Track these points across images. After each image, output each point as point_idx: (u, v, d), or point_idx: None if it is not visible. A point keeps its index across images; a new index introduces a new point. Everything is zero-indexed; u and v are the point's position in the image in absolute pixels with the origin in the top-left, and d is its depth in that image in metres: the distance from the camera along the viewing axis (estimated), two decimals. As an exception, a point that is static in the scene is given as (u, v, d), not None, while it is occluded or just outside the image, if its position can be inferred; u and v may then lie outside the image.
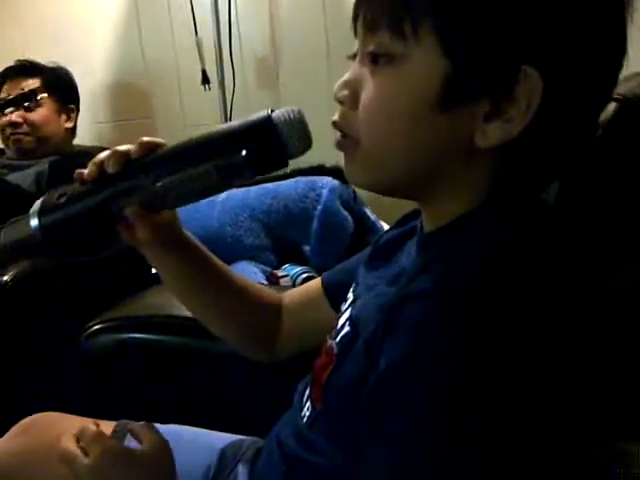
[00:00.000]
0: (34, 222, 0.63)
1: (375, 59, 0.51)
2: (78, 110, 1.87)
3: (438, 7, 0.48)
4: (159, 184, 0.61)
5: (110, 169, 0.62)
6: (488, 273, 0.47)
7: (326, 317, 0.75)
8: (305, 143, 0.59)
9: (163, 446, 0.63)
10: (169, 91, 2.13)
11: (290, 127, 0.58)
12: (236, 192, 1.58)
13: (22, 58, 1.83)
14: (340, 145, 0.56)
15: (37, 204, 0.64)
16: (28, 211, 0.64)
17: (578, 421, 0.50)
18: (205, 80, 1.96)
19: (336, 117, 0.56)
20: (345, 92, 0.54)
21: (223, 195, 1.58)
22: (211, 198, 1.68)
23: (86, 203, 0.63)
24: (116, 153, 0.62)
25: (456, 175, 0.53)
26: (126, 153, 0.62)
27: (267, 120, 0.58)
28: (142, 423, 0.67)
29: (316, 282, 0.80)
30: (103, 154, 0.63)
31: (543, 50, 0.48)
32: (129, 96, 2.20)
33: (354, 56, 0.55)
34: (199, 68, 1.96)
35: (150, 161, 0.62)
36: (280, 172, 1.56)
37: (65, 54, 1.93)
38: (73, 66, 1.88)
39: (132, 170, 0.62)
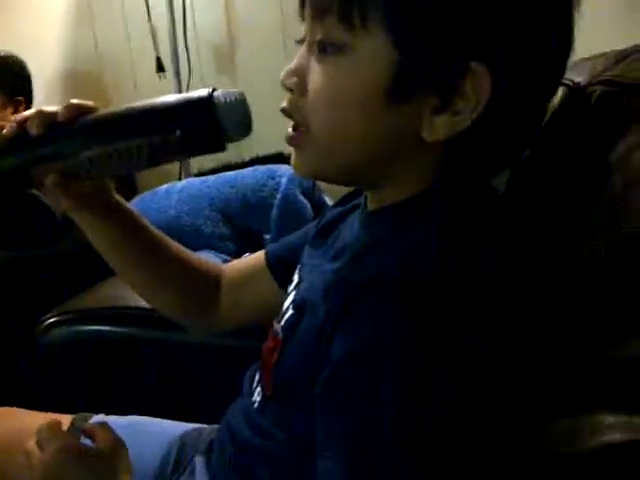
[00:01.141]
0: None
1: (323, 48, 0.51)
2: (29, 101, 1.81)
3: None
4: (85, 154, 0.57)
5: (33, 130, 0.58)
6: (437, 261, 0.48)
7: (267, 290, 0.75)
8: (244, 128, 0.57)
9: (118, 445, 0.62)
10: (123, 79, 2.09)
11: (230, 109, 0.55)
12: (194, 181, 1.57)
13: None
14: (290, 140, 0.55)
15: None
16: None
17: (527, 397, 0.51)
18: (160, 68, 1.93)
19: (284, 104, 0.55)
20: (293, 79, 0.53)
21: (180, 184, 1.57)
22: (168, 187, 1.67)
23: (4, 164, 0.59)
24: (41, 114, 0.58)
25: (404, 164, 0.53)
26: (52, 115, 0.58)
27: (207, 99, 0.54)
28: (97, 422, 0.66)
29: (258, 254, 0.79)
30: (26, 112, 0.59)
31: (491, 46, 0.48)
32: (82, 84, 2.16)
33: (302, 41, 0.54)
34: (153, 56, 1.93)
35: (78, 128, 0.58)
36: (238, 160, 1.56)
37: (15, 41, 1.88)
38: (24, 54, 1.83)
39: (57, 135, 0.58)
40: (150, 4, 1.90)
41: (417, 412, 0.45)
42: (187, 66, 1.92)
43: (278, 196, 1.45)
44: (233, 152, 1.65)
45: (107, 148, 0.56)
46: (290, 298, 0.63)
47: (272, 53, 1.87)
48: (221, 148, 0.56)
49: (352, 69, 0.50)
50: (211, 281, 0.80)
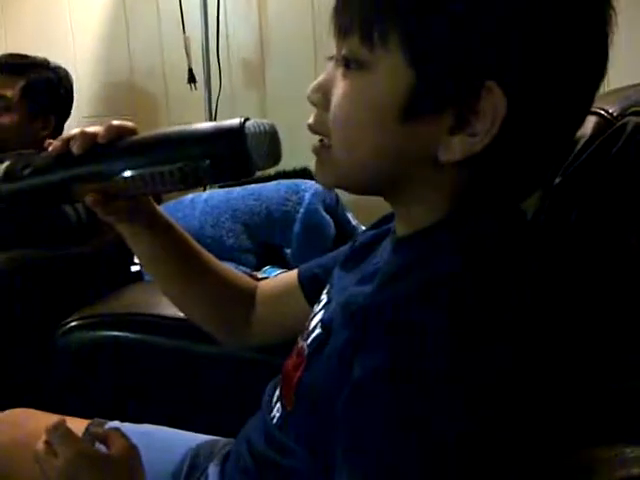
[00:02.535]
0: None
1: (347, 63, 0.52)
2: (63, 116, 1.80)
3: (406, 19, 0.48)
4: (121, 176, 0.60)
5: (75, 150, 0.61)
6: (466, 285, 0.48)
7: (298, 309, 0.75)
8: (272, 159, 0.59)
9: (132, 452, 0.63)
10: (155, 89, 2.12)
11: (260, 140, 0.58)
12: (218, 192, 1.58)
13: (5, 55, 1.76)
14: (315, 150, 0.56)
15: (1, 169, 0.63)
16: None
17: (552, 427, 0.50)
18: (191, 79, 1.95)
19: (310, 120, 0.56)
20: (318, 94, 0.55)
21: (205, 195, 1.58)
22: (193, 197, 1.68)
23: (46, 180, 0.63)
24: (83, 135, 0.61)
25: (425, 183, 0.53)
26: (93, 136, 0.61)
27: (238, 130, 0.57)
28: (111, 428, 0.67)
29: (292, 273, 0.80)
30: (72, 132, 0.62)
31: (508, 68, 0.48)
32: (115, 92, 2.19)
33: (332, 58, 0.55)
34: (186, 66, 1.96)
35: (116, 150, 0.61)
36: (263, 174, 1.57)
37: (51, 50, 1.91)
38: (59, 62, 1.85)
39: (96, 155, 0.61)
40: (185, 17, 1.93)
41: (435, 436, 0.44)
42: (218, 78, 1.95)
43: (301, 211, 1.46)
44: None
45: (142, 171, 0.59)
46: (318, 317, 0.63)
47: (302, 69, 1.88)
48: (249, 175, 0.59)
49: (371, 86, 0.51)
50: (246, 296, 0.81)
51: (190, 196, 1.58)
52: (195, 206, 1.53)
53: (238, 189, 1.55)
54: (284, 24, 1.95)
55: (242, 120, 0.58)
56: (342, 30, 0.52)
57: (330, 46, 0.56)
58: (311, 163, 0.58)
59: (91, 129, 0.62)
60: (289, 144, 0.64)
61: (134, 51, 2.13)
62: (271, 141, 0.59)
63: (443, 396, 0.45)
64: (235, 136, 0.57)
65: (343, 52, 0.52)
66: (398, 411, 0.45)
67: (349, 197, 1.54)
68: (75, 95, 1.85)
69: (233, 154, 0.57)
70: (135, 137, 0.62)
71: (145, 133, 0.62)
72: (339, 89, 0.52)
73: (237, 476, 0.68)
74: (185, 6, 1.93)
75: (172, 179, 0.59)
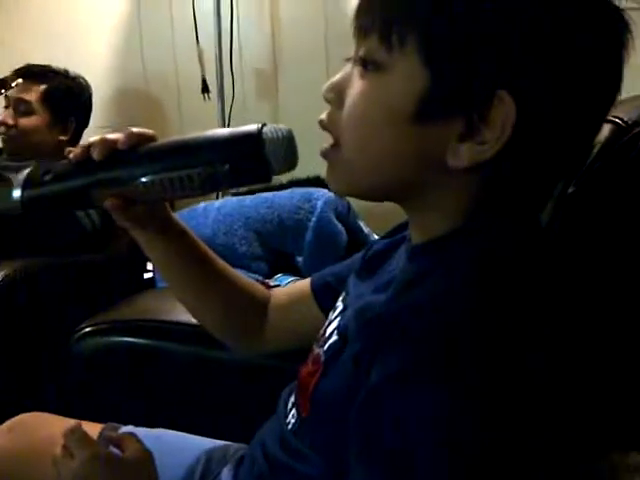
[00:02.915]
0: (17, 194, 0.64)
1: (364, 64, 0.53)
2: (83, 123, 1.84)
3: (424, 23, 0.49)
4: (141, 181, 0.61)
5: (95, 156, 0.62)
6: (483, 292, 0.48)
7: (311, 317, 0.75)
8: (290, 163, 0.60)
9: (146, 455, 0.63)
10: (168, 99, 2.14)
11: (278, 145, 0.58)
12: (231, 200, 1.59)
13: (24, 63, 1.79)
14: (323, 153, 0.57)
15: (23, 175, 0.64)
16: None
17: (571, 433, 0.50)
18: (205, 89, 1.97)
19: (323, 116, 0.57)
20: (333, 92, 0.55)
21: (218, 203, 1.59)
22: (206, 205, 1.69)
23: (66, 186, 0.64)
24: (104, 141, 0.62)
25: (437, 188, 0.53)
26: (114, 142, 0.62)
27: (256, 135, 0.58)
28: (125, 432, 0.67)
29: (305, 282, 0.80)
30: (92, 139, 0.63)
31: (521, 79, 0.48)
32: (128, 102, 2.21)
33: (350, 59, 0.56)
34: (199, 76, 1.97)
35: (136, 157, 0.62)
36: (276, 182, 1.58)
37: (65, 60, 1.93)
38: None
39: (117, 161, 0.62)
40: (198, 27, 1.95)
41: (450, 443, 0.44)
42: (231, 88, 1.96)
43: (313, 219, 1.47)
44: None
45: (161, 177, 0.61)
46: (334, 324, 0.64)
47: (314, 78, 1.88)
48: (267, 180, 0.60)
49: (386, 87, 0.52)
50: (259, 303, 0.81)
51: (203, 204, 1.59)
52: (208, 214, 1.54)
53: (251, 197, 1.56)
54: (297, 34, 1.96)
55: (260, 126, 0.59)
56: (362, 30, 0.53)
57: (343, 55, 0.57)
58: (324, 171, 0.58)
59: (111, 136, 0.63)
60: (302, 152, 0.64)
61: (148, 61, 2.14)
62: (288, 146, 0.59)
63: (458, 401, 0.44)
64: (253, 141, 0.58)
65: (361, 53, 0.53)
66: (412, 415, 0.45)
67: (361, 205, 1.54)
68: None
69: (251, 159, 0.58)
70: (154, 143, 0.63)
71: (164, 140, 0.64)
72: (355, 88, 0.53)
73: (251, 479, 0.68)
74: (198, 16, 1.94)
75: (191, 184, 0.60)
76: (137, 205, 0.65)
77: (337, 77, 0.56)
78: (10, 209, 0.65)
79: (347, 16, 0.55)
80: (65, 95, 1.79)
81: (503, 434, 0.45)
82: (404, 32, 0.50)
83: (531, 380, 0.47)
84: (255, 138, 0.58)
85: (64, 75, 1.80)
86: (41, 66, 1.79)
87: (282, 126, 0.60)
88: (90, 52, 2.18)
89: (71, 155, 0.64)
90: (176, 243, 0.74)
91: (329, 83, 0.56)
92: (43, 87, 1.75)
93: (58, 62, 1.84)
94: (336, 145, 0.55)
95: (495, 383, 0.45)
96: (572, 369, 0.52)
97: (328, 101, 0.56)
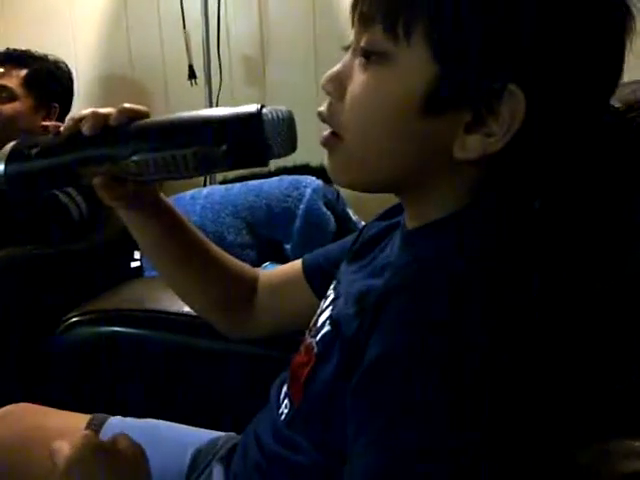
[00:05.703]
0: (0, 167, 0.61)
1: (367, 55, 0.51)
2: (65, 108, 1.80)
3: (433, 13, 0.48)
4: (133, 159, 0.58)
5: (86, 131, 0.59)
6: (475, 273, 0.48)
7: (302, 298, 0.75)
8: (289, 146, 0.58)
9: (139, 450, 0.62)
10: (155, 85, 2.11)
11: (277, 127, 0.56)
12: (219, 188, 1.58)
13: (5, 49, 1.76)
14: (324, 142, 0.55)
15: (7, 149, 0.62)
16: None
17: (562, 420, 0.50)
18: (192, 75, 1.95)
19: (322, 108, 0.55)
20: (333, 84, 0.54)
21: (206, 191, 1.58)
22: (193, 193, 1.68)
23: (54, 161, 0.61)
24: (96, 116, 0.60)
25: (439, 181, 0.53)
26: (105, 117, 0.60)
27: (256, 115, 0.56)
28: (115, 431, 0.65)
29: (296, 263, 0.79)
30: (83, 112, 0.60)
31: (530, 72, 0.48)
32: (115, 88, 2.18)
33: (348, 48, 0.54)
34: (186, 63, 1.95)
35: (129, 132, 0.59)
36: (264, 170, 1.57)
37: (52, 46, 1.90)
38: (59, 58, 1.85)
39: (108, 138, 0.59)
40: (185, 12, 1.92)
41: (450, 416, 0.44)
42: (218, 74, 1.94)
43: (301, 207, 1.46)
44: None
45: (154, 155, 0.58)
46: (326, 314, 0.63)
47: (302, 64, 1.88)
48: (264, 164, 0.58)
49: (392, 78, 0.50)
50: (248, 285, 0.81)
51: (190, 192, 1.58)
52: (195, 202, 1.53)
53: (239, 185, 1.55)
54: (284, 19, 1.94)
55: (259, 106, 0.56)
56: (363, 20, 0.51)
57: (331, 42, 0.56)
58: (312, 159, 0.57)
59: (103, 110, 0.60)
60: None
61: (134, 47, 2.12)
62: (288, 128, 0.57)
63: (445, 381, 0.44)
64: (253, 122, 0.56)
65: (363, 44, 0.51)
66: (406, 396, 0.45)
67: (350, 193, 1.54)
68: (75, 91, 1.86)
69: (250, 140, 0.56)
70: (147, 120, 0.60)
71: (158, 117, 0.61)
72: (357, 81, 0.52)
73: (247, 473, 0.67)
74: (185, 2, 1.92)
75: (185, 164, 0.57)
76: (127, 184, 0.63)
77: (336, 68, 0.54)
78: None
79: (337, 2, 0.54)
80: (47, 78, 1.76)
81: (495, 410, 0.45)
82: (411, 22, 0.48)
83: (528, 354, 0.47)
84: (255, 119, 0.56)
85: (44, 59, 1.77)
86: (20, 51, 1.76)
87: (282, 107, 0.58)
88: (76, 38, 2.15)
89: (62, 128, 0.61)
90: (165, 224, 0.73)
91: (328, 74, 0.54)
92: (24, 72, 1.73)
93: (43, 48, 1.81)
94: (336, 135, 0.54)
95: (484, 365, 0.45)
96: (565, 354, 0.52)
97: (327, 93, 0.54)
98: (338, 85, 0.53)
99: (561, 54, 0.48)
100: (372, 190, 0.58)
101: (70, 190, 1.52)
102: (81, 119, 0.60)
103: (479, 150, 0.49)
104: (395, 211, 0.68)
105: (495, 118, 0.48)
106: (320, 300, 0.68)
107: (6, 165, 0.61)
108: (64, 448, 0.56)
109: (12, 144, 0.62)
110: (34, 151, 0.61)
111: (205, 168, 0.59)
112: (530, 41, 0.47)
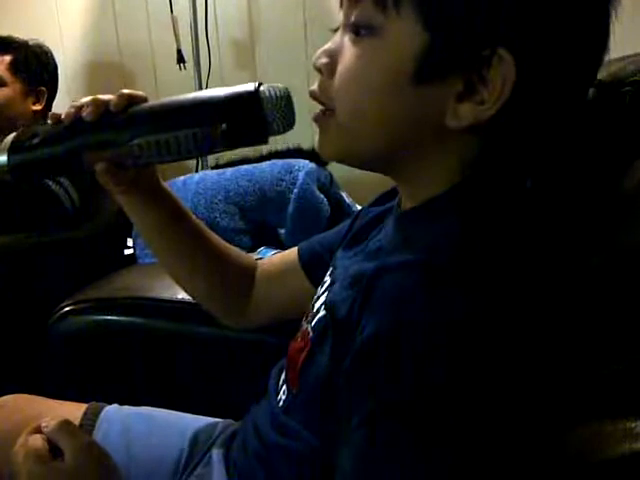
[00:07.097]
0: (3, 158, 0.62)
1: (357, 30, 0.52)
2: (52, 92, 1.80)
3: None
4: (134, 142, 0.59)
5: (87, 117, 0.60)
6: (465, 252, 0.48)
7: (299, 286, 0.75)
8: (288, 122, 0.59)
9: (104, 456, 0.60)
10: (144, 70, 2.09)
11: (275, 104, 0.57)
12: (211, 174, 1.57)
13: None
14: (316, 118, 0.56)
15: (8, 139, 0.63)
16: None
17: (558, 401, 0.50)
18: (180, 59, 1.93)
19: (314, 87, 0.55)
20: (324, 60, 0.54)
21: (198, 176, 1.57)
22: (185, 179, 1.67)
23: (57, 149, 0.62)
24: (95, 102, 0.61)
25: (429, 154, 0.53)
26: (105, 103, 0.61)
27: (254, 94, 0.57)
28: (62, 421, 0.61)
29: (292, 251, 0.80)
30: (83, 99, 0.61)
31: (519, 36, 0.48)
32: (103, 74, 2.16)
33: (337, 30, 0.55)
34: (174, 47, 1.93)
35: (129, 117, 0.61)
36: (257, 154, 1.56)
37: (38, 31, 1.88)
38: (47, 43, 1.82)
39: (109, 123, 0.61)
40: (172, -4, 1.90)
41: (440, 393, 0.43)
42: (207, 58, 1.92)
43: (295, 191, 1.45)
44: (251, 146, 1.65)
45: (155, 137, 0.59)
46: (322, 299, 0.63)
47: (292, 47, 1.86)
48: (264, 141, 0.59)
49: (383, 51, 0.50)
50: (246, 273, 0.81)
51: (182, 178, 1.57)
52: (188, 188, 1.52)
53: (231, 170, 1.53)
54: (274, 1, 1.92)
55: (257, 85, 0.58)
56: None
57: (320, 25, 0.55)
58: (304, 142, 0.57)
59: (103, 97, 0.61)
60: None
61: (121, 32, 2.09)
62: (286, 105, 0.58)
63: (442, 356, 0.44)
64: (251, 99, 0.57)
65: (353, 18, 0.52)
66: (404, 369, 0.45)
67: (343, 176, 1.53)
68: (63, 77, 1.85)
69: (250, 118, 0.57)
70: (147, 104, 0.61)
71: (157, 100, 0.62)
72: (347, 56, 0.52)
73: (247, 462, 0.67)
74: (172, -15, 1.90)
75: (187, 145, 0.59)
76: (128, 168, 0.64)
77: (327, 46, 0.55)
78: None
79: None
80: (33, 62, 1.75)
81: (487, 385, 0.45)
82: None
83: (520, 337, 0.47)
84: (252, 96, 0.57)
85: (27, 44, 1.76)
86: (2, 37, 1.74)
87: (279, 85, 0.59)
88: (62, 24, 2.12)
89: (62, 115, 0.62)
90: (165, 210, 0.74)
91: (320, 51, 0.55)
92: (9, 57, 1.71)
93: (29, 34, 1.79)
94: (328, 113, 0.54)
95: (481, 337, 0.45)
96: (561, 333, 0.52)
97: (319, 69, 0.55)
98: (329, 62, 0.54)
99: (548, 17, 0.48)
100: (363, 165, 0.57)
101: (62, 179, 1.51)
102: (82, 106, 0.61)
103: (471, 118, 0.50)
104: (389, 196, 0.68)
105: (486, 85, 0.49)
106: (317, 287, 0.68)
107: (9, 156, 0.62)
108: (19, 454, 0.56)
109: (12, 135, 0.63)
110: (35, 140, 0.62)
111: (206, 149, 0.60)
112: (517, 4, 0.47)
